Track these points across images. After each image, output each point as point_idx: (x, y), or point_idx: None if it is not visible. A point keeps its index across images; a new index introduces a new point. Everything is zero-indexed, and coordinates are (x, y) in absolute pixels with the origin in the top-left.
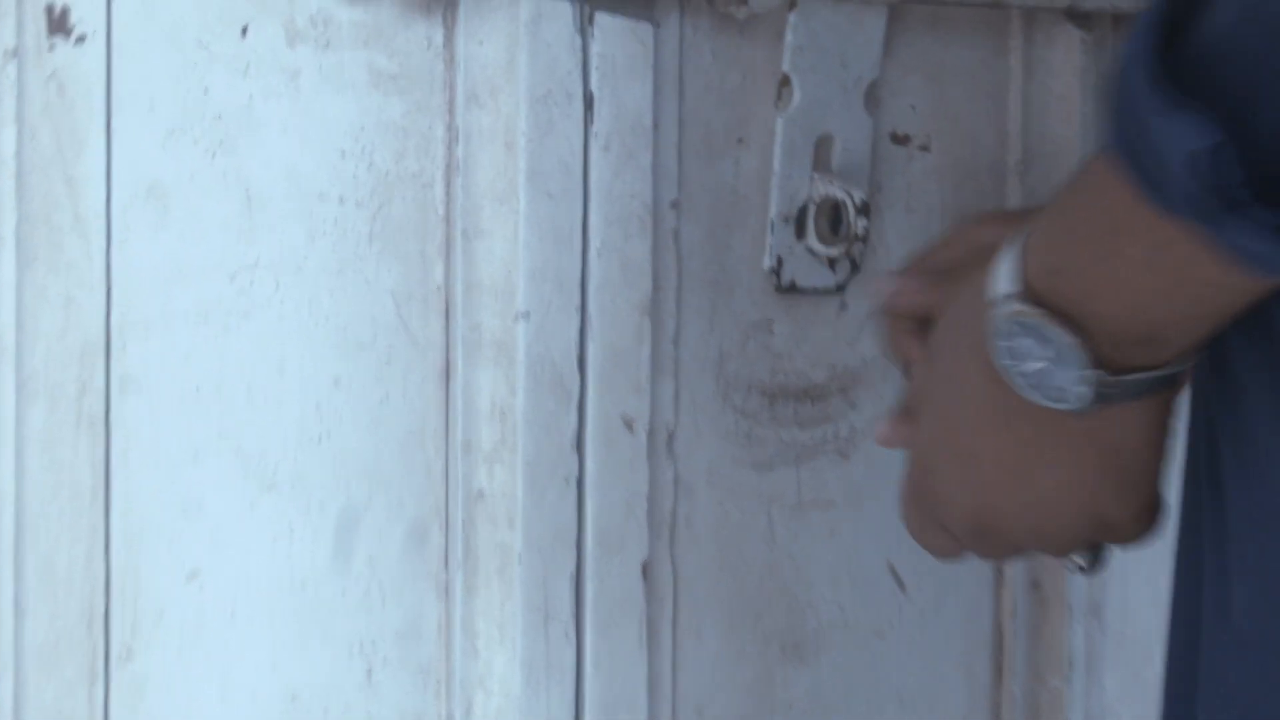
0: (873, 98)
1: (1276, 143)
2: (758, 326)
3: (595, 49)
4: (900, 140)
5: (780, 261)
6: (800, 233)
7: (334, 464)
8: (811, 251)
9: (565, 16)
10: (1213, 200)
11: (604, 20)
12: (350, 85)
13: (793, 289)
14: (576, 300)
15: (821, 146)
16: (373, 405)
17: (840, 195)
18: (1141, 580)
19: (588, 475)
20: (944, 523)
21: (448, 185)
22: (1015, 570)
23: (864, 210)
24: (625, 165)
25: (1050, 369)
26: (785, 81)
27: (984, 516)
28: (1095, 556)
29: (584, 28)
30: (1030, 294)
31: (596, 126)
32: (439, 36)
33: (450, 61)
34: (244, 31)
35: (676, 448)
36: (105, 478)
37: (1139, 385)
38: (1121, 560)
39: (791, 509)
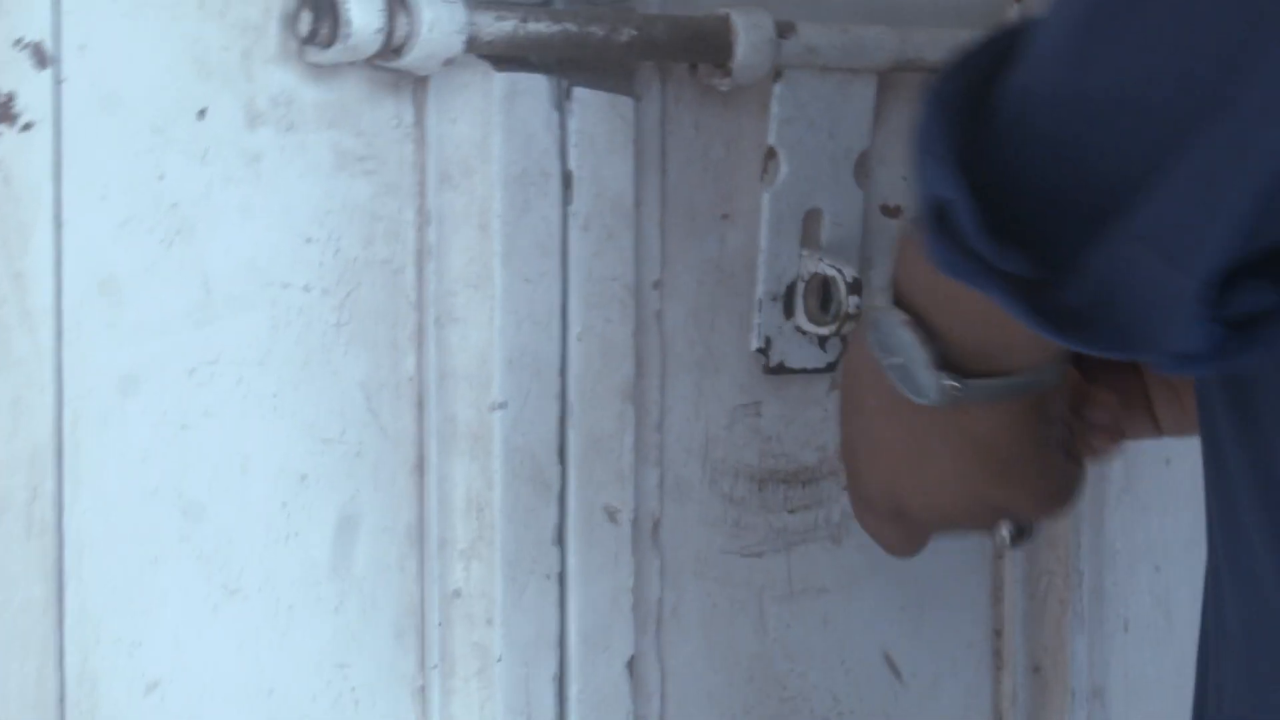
0: (863, 169)
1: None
2: (745, 409)
3: (573, 125)
4: (891, 212)
5: (769, 342)
6: (789, 311)
7: (302, 564)
8: (801, 330)
9: (542, 92)
10: (948, 246)
11: (582, 95)
12: (315, 168)
13: (781, 369)
14: (556, 388)
15: (810, 221)
16: (343, 502)
17: (830, 272)
18: (1145, 660)
19: (570, 570)
20: (871, 509)
21: (419, 270)
22: (1015, 654)
23: (856, 287)
24: (605, 245)
25: (908, 366)
26: (771, 154)
27: (894, 499)
28: (1019, 530)
29: (561, 103)
30: (896, 293)
31: (575, 206)
32: (409, 115)
33: (421, 141)
34: (202, 114)
35: (662, 537)
36: (58, 588)
37: (989, 390)
38: (1124, 642)
39: (782, 597)
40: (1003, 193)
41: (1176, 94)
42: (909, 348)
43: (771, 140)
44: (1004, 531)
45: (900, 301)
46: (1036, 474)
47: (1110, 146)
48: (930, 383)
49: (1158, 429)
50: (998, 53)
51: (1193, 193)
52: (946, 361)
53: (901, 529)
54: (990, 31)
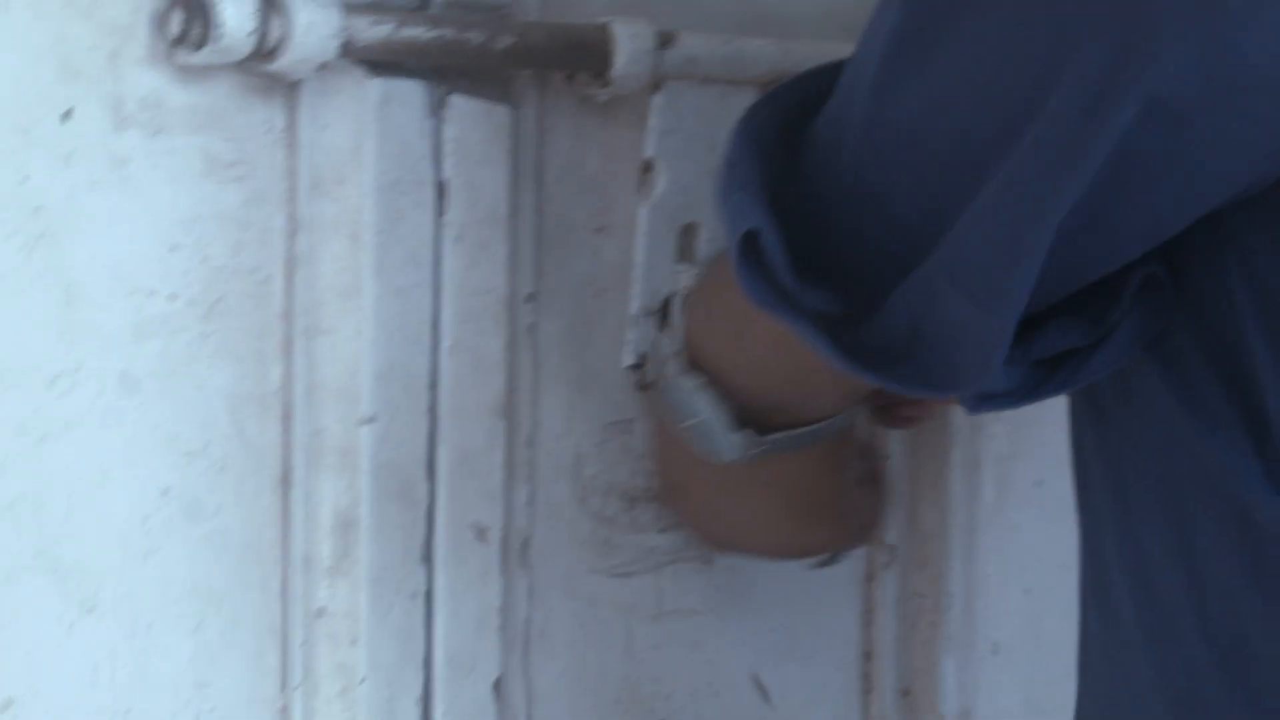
0: None
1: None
2: (617, 426)
3: (449, 133)
4: None
5: (642, 358)
6: (663, 327)
7: (162, 582)
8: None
9: (417, 99)
10: (757, 278)
11: (458, 102)
12: (183, 173)
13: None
14: (426, 402)
15: (687, 235)
16: (205, 518)
17: None
18: (1014, 683)
19: (437, 589)
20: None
21: (288, 280)
22: (884, 676)
23: None
24: (480, 257)
25: (703, 426)
26: (648, 166)
27: (714, 540)
28: (830, 557)
29: (437, 110)
30: (687, 354)
31: (449, 216)
32: (280, 120)
33: (292, 147)
34: (67, 116)
35: (531, 556)
36: None
37: (790, 441)
38: (993, 665)
39: (651, 619)
40: (810, 227)
41: (971, 132)
42: (706, 410)
43: (650, 152)
44: (811, 560)
45: (695, 363)
46: (839, 514)
47: (912, 182)
48: (729, 442)
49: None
50: (812, 88)
51: (991, 231)
52: (745, 419)
53: None
54: (807, 69)
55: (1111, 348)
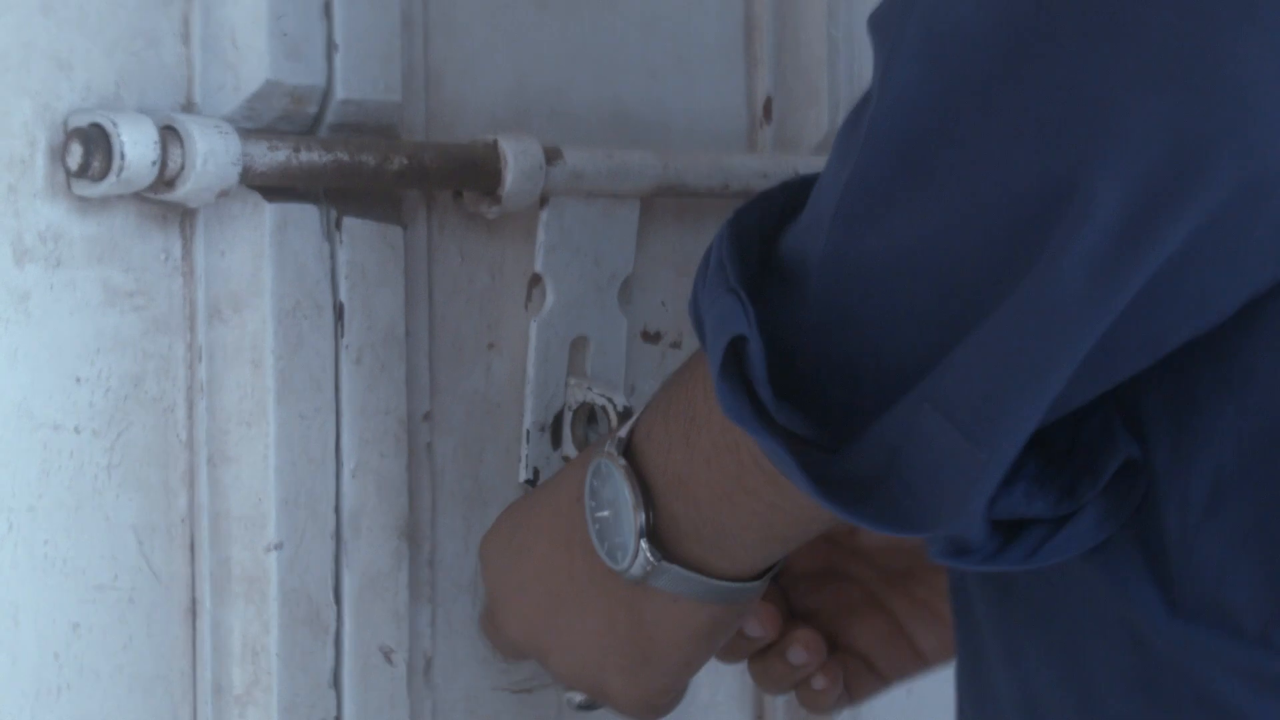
0: (625, 295)
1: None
2: None
3: (343, 256)
4: (651, 338)
5: (536, 473)
6: (556, 441)
7: (76, 717)
8: (567, 460)
9: (312, 222)
10: (735, 389)
11: (352, 225)
12: (84, 305)
13: None
14: (331, 526)
15: (576, 349)
16: (115, 651)
17: (600, 400)
18: None
19: (345, 714)
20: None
21: (190, 408)
22: None
23: (626, 415)
24: (379, 378)
25: (612, 523)
26: (536, 281)
27: (532, 640)
28: (590, 703)
29: (331, 233)
30: (629, 447)
31: (348, 339)
32: (177, 248)
33: (189, 275)
34: None
35: (434, 676)
36: None
37: (685, 583)
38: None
39: None
40: (785, 346)
41: (959, 268)
42: (623, 505)
43: (538, 267)
44: (577, 699)
45: (632, 455)
46: (660, 685)
47: (891, 318)
48: (629, 548)
49: (923, 659)
50: (797, 198)
51: (995, 369)
52: (653, 534)
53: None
54: (796, 176)
55: (1084, 525)
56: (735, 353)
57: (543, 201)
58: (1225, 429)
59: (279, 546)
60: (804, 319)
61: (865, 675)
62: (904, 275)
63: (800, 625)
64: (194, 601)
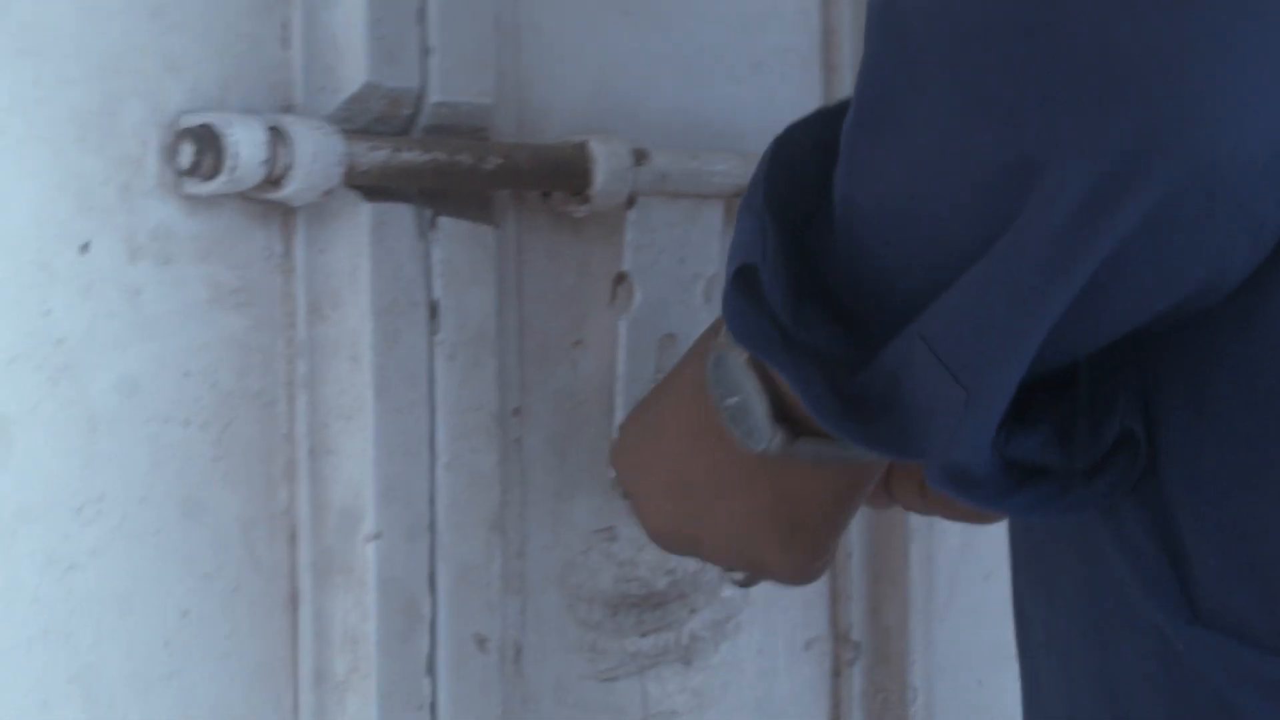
0: (709, 293)
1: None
2: (600, 534)
3: (438, 255)
4: None
5: None
6: None
7: (183, 704)
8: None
9: (408, 222)
10: (745, 309)
11: (446, 224)
12: (192, 302)
13: None
14: (426, 518)
15: (665, 346)
16: (221, 638)
17: None
18: None
19: (440, 700)
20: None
21: (290, 403)
22: None
23: None
24: (471, 374)
25: (743, 408)
26: (621, 280)
27: (674, 521)
28: (752, 577)
29: (426, 233)
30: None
31: (442, 335)
32: (278, 246)
33: (290, 272)
34: (85, 248)
35: (524, 665)
36: None
37: (818, 452)
38: None
39: None
40: (821, 265)
41: (944, 220)
42: (750, 391)
43: (626, 266)
44: (738, 576)
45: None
46: (813, 549)
47: (896, 254)
48: (765, 429)
49: (890, 497)
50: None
51: (972, 312)
52: (782, 413)
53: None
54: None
55: (1096, 491)
56: (747, 276)
57: (629, 202)
58: (1230, 416)
59: (378, 537)
60: (833, 244)
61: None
62: (897, 221)
63: None
64: (295, 591)
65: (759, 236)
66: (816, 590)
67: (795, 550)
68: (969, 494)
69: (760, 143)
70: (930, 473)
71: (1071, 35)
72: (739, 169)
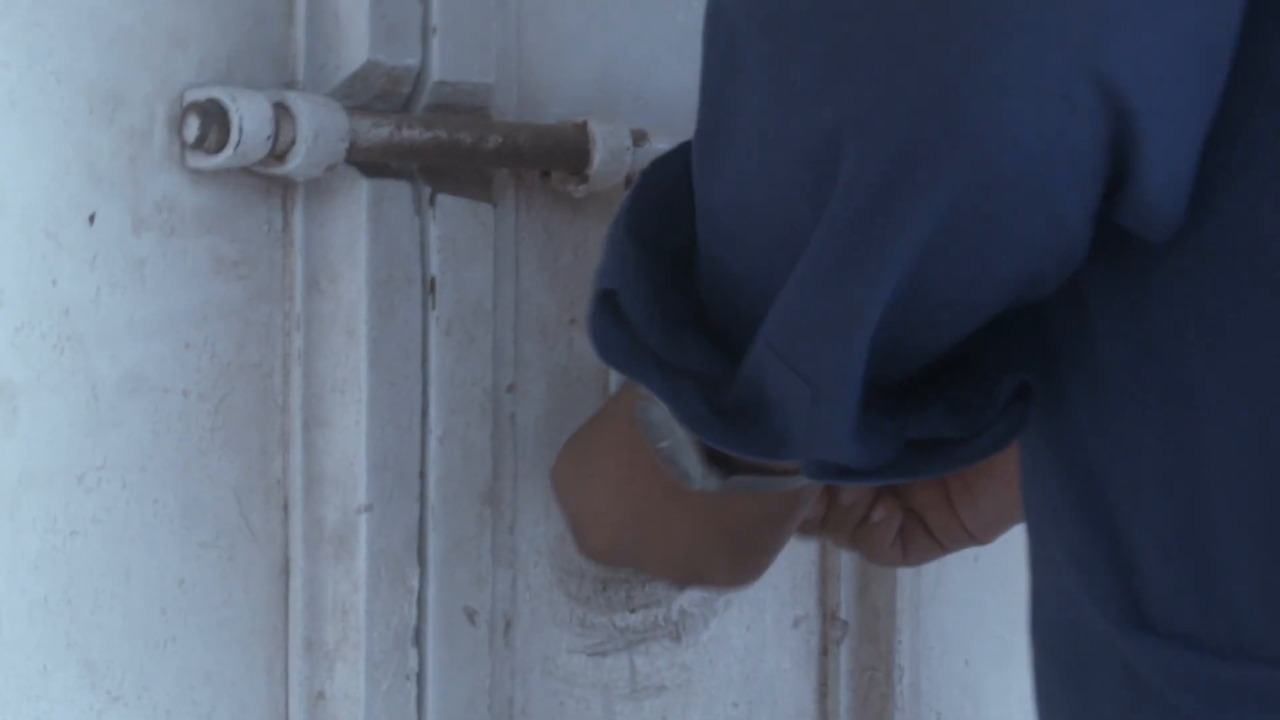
0: None
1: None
2: None
3: (435, 231)
4: None
5: None
6: None
7: (179, 671)
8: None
9: (405, 198)
10: (610, 332)
11: (445, 201)
12: (194, 273)
13: None
14: (417, 490)
15: None
16: (217, 606)
17: None
18: None
19: (428, 671)
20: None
21: (286, 375)
22: None
23: None
24: (467, 350)
25: (674, 452)
26: None
27: (616, 544)
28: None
29: (424, 209)
30: None
31: (438, 311)
32: (278, 220)
33: (289, 246)
34: (92, 219)
35: (514, 638)
36: None
37: (753, 486)
38: None
39: (626, 696)
40: (685, 287)
41: (768, 216)
42: (678, 437)
43: None
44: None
45: None
46: (755, 564)
47: (740, 257)
48: (697, 471)
49: (967, 533)
50: None
51: (800, 309)
52: (713, 453)
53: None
54: None
55: (983, 443)
56: (609, 300)
57: (628, 182)
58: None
59: (369, 508)
60: (699, 256)
61: (920, 534)
62: (737, 221)
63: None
64: (287, 560)
65: (620, 263)
66: (805, 569)
67: (737, 568)
68: (849, 480)
69: None
70: (805, 470)
71: (863, 7)
72: None
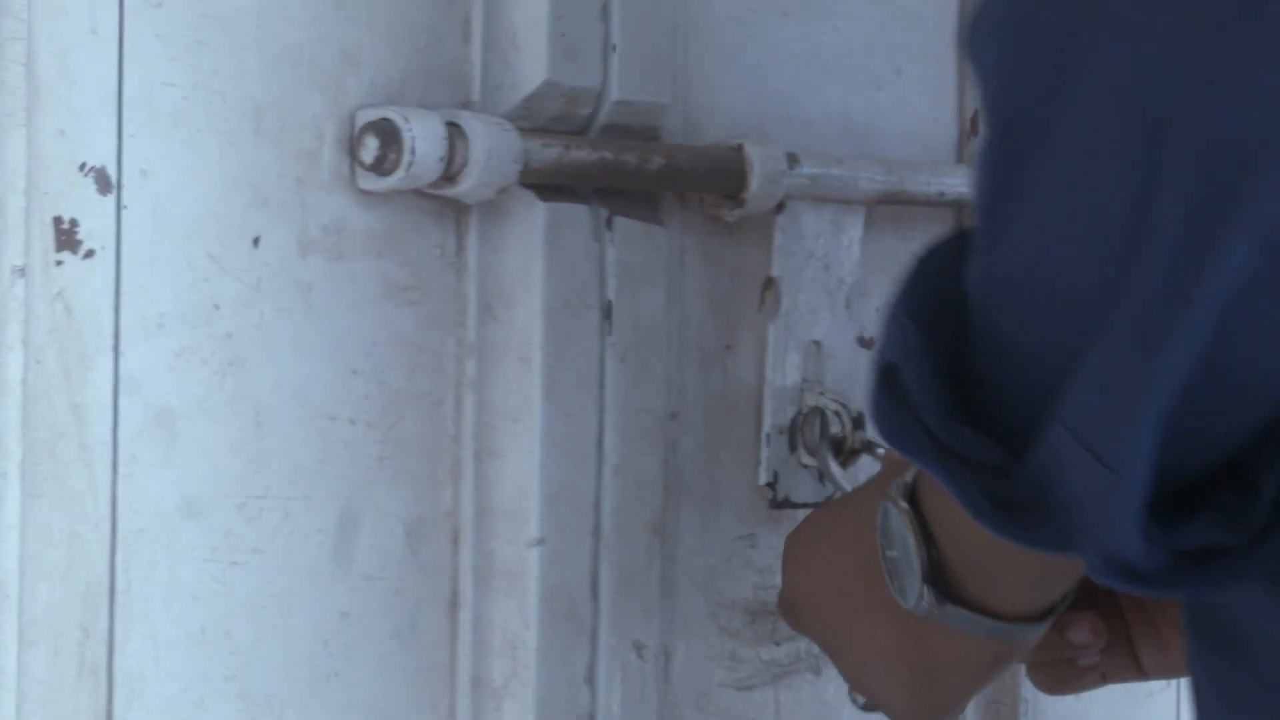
0: (850, 301)
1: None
2: (742, 540)
3: (612, 255)
4: (868, 344)
5: (776, 476)
6: (793, 445)
7: (341, 706)
8: (803, 464)
9: (583, 222)
10: (895, 413)
11: (622, 224)
12: (363, 298)
13: (787, 503)
14: (591, 522)
15: (809, 354)
16: (382, 640)
17: (833, 407)
18: None
19: (599, 710)
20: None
21: (458, 403)
22: None
23: (860, 422)
24: (641, 376)
25: (899, 563)
26: (768, 285)
27: (826, 643)
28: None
29: (600, 233)
30: (914, 490)
31: (615, 337)
32: (451, 244)
33: (462, 270)
34: (256, 242)
35: (671, 671)
36: None
37: (966, 622)
38: None
39: None
40: (965, 371)
41: (1068, 285)
42: (908, 547)
43: (775, 271)
44: (860, 700)
45: (916, 498)
46: (942, 705)
47: (1031, 336)
48: (914, 588)
49: (1140, 670)
50: None
51: (1104, 380)
52: (935, 574)
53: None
54: None
55: (1265, 550)
56: (890, 376)
57: (780, 206)
58: None
59: (541, 542)
60: (973, 345)
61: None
62: (1029, 295)
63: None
64: (455, 594)
65: (901, 341)
66: None
67: (922, 703)
68: (1136, 585)
69: (896, 149)
70: (1092, 567)
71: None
72: (880, 175)
